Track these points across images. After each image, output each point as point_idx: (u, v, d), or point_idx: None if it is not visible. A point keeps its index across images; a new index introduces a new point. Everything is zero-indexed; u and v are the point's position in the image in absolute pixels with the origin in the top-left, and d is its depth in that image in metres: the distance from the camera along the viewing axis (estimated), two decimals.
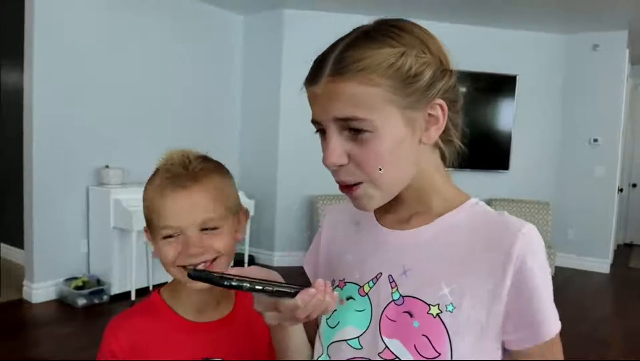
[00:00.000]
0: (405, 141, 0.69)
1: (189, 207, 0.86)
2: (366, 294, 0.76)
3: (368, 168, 0.69)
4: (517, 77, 5.56)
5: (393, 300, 0.73)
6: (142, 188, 0.93)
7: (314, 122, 0.72)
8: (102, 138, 4.29)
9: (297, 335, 0.80)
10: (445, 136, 0.74)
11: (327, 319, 0.79)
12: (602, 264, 5.73)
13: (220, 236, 0.88)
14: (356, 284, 0.78)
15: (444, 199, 0.76)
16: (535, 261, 0.67)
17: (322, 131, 0.72)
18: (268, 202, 5.38)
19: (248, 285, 0.63)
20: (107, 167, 4.22)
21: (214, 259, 0.88)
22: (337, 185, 0.74)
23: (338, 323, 0.77)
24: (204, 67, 5.20)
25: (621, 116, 5.63)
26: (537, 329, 0.68)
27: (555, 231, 5.64)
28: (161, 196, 0.87)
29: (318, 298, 0.66)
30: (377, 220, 0.81)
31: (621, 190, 6.29)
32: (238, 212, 0.95)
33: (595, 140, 5.64)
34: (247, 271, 0.70)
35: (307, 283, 0.69)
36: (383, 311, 0.73)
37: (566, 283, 5.17)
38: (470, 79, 5.23)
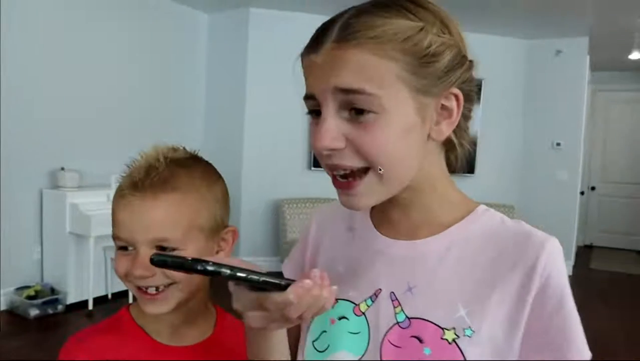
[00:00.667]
0: (414, 131, 0.59)
1: (141, 221, 0.72)
2: (363, 313, 0.66)
3: (371, 154, 0.58)
4: (483, 82, 5.60)
5: (397, 322, 0.63)
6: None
7: (307, 98, 0.60)
8: (57, 138, 4.07)
9: (278, 343, 0.67)
10: (457, 135, 0.65)
11: (314, 341, 0.68)
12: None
13: None
14: (351, 302, 0.67)
15: (451, 206, 0.67)
16: (560, 277, 0.60)
17: (315, 112, 0.60)
18: (232, 206, 5.17)
19: (228, 271, 0.49)
20: (62, 169, 4.01)
21: (168, 285, 0.74)
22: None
23: (328, 346, 0.66)
24: (166, 66, 5.04)
25: (582, 121, 5.75)
26: (564, 352, 0.59)
27: None
28: (117, 202, 0.75)
29: (314, 293, 0.53)
30: (375, 227, 0.71)
31: (582, 193, 6.43)
32: (219, 232, 0.80)
33: (558, 144, 5.75)
34: (229, 261, 0.57)
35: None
36: (385, 334, 0.63)
37: None
38: None
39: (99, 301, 3.96)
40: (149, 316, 0.78)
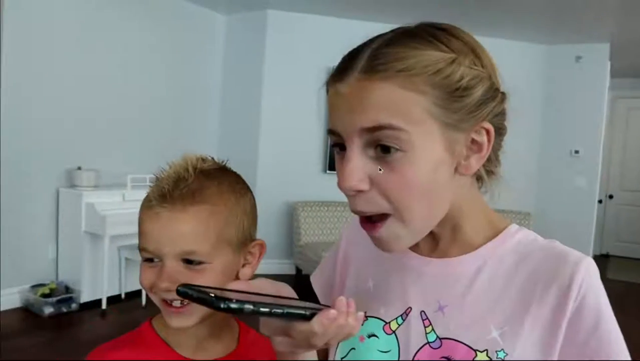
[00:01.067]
0: (442, 167, 0.57)
1: (169, 233, 0.70)
2: (393, 332, 0.64)
3: (396, 198, 0.56)
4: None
5: (428, 342, 0.62)
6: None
7: (332, 132, 0.58)
8: (74, 138, 4.09)
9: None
10: (488, 166, 0.63)
11: (343, 358, 0.67)
12: None
13: (205, 273, 0.71)
14: (381, 319, 0.66)
15: (482, 225, 0.65)
16: (597, 297, 0.58)
17: (340, 145, 0.58)
18: None
19: (251, 307, 0.48)
20: (79, 168, 4.03)
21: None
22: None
23: None
24: (183, 67, 5.05)
25: (602, 128, 5.67)
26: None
27: None
28: (145, 213, 0.73)
29: (339, 322, 0.52)
30: None
31: (600, 202, 6.34)
32: (246, 245, 0.79)
33: (576, 151, 5.67)
34: (253, 284, 0.57)
35: (316, 301, 0.55)
36: (416, 354, 0.62)
37: None
38: None
39: (112, 300, 3.97)
40: (173, 330, 0.76)
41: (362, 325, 0.64)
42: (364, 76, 0.55)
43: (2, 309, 3.74)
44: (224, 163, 0.83)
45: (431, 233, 0.64)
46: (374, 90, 0.54)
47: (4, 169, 3.69)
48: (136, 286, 4.03)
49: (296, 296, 0.61)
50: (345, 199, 0.61)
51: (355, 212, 0.59)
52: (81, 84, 4.12)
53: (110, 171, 4.17)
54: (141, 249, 0.73)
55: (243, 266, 0.79)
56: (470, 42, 0.59)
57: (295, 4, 4.92)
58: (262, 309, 0.49)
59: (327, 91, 0.59)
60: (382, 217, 0.57)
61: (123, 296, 4.11)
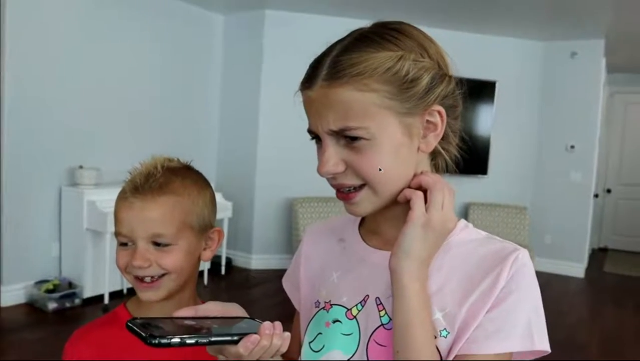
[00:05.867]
0: (403, 148, 0.67)
1: (141, 219, 0.84)
2: (354, 317, 0.73)
3: (367, 174, 0.66)
4: (497, 83, 5.60)
5: (382, 324, 0.70)
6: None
7: (309, 131, 0.70)
8: (76, 137, 4.18)
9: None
10: (443, 143, 0.71)
11: (310, 342, 0.75)
12: (577, 269, 5.80)
13: (170, 253, 0.85)
14: (344, 307, 0.75)
15: None
16: (519, 283, 0.65)
17: (317, 138, 0.69)
18: (246, 204, 5.32)
19: (177, 340, 0.58)
20: (81, 167, 4.12)
21: (162, 275, 0.86)
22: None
23: (323, 346, 0.74)
24: (182, 67, 5.12)
25: (597, 123, 5.71)
26: (489, 336, 0.63)
27: (532, 235, 5.70)
28: (120, 203, 0.87)
29: (262, 344, 0.63)
30: (363, 239, 0.78)
31: (596, 196, 6.39)
32: (206, 231, 0.92)
33: (572, 146, 5.72)
34: (202, 309, 0.68)
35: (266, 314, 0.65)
36: (371, 335, 0.70)
37: (543, 288, 5.14)
38: None
39: (114, 295, 4.06)
40: (144, 310, 0.90)
41: (328, 311, 0.75)
42: (326, 83, 0.64)
43: (7, 304, 3.84)
44: (188, 163, 0.96)
45: (390, 227, 0.73)
46: (336, 95, 0.64)
47: (7, 169, 3.79)
48: None
49: (245, 315, 0.72)
50: None
51: (335, 186, 0.70)
52: (82, 84, 4.20)
53: (111, 170, 4.25)
54: (117, 233, 0.87)
55: (204, 249, 0.92)
56: (417, 37, 0.68)
57: (293, 4, 4.98)
58: (187, 341, 0.59)
59: (302, 95, 0.69)
60: (357, 187, 0.68)
61: (125, 291, 4.20)
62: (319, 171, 0.68)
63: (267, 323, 0.64)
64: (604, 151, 7.17)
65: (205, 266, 4.70)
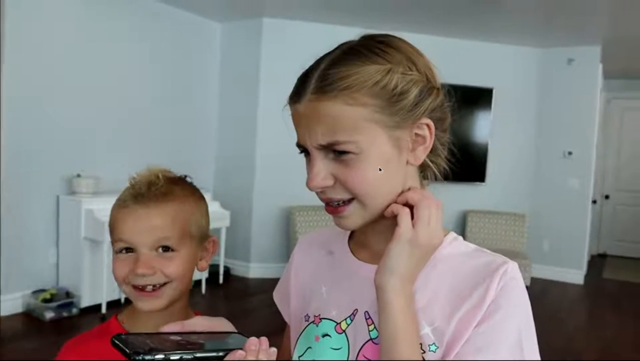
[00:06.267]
0: (391, 162, 0.66)
1: (145, 226, 0.84)
2: (343, 331, 0.73)
3: (355, 188, 0.66)
4: (494, 90, 5.62)
5: (371, 338, 0.69)
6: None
7: (298, 145, 0.69)
8: (74, 146, 4.18)
9: None
10: (432, 156, 0.71)
11: (300, 356, 0.75)
12: (576, 275, 5.80)
13: (173, 260, 0.85)
14: (333, 320, 0.74)
15: None
16: (508, 298, 0.64)
17: (306, 152, 0.68)
18: (244, 213, 5.31)
19: (161, 357, 0.58)
20: (78, 175, 4.11)
21: (163, 284, 0.85)
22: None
23: None
24: (180, 75, 5.13)
25: (594, 129, 5.73)
26: (479, 351, 0.62)
27: (530, 242, 5.69)
28: (120, 209, 0.86)
29: (248, 360, 0.62)
30: (352, 252, 0.78)
31: (594, 202, 6.40)
32: (203, 241, 0.92)
33: (570, 153, 5.73)
34: (189, 324, 0.68)
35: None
36: (360, 350, 0.70)
37: (541, 295, 5.21)
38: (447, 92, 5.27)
39: (112, 305, 4.04)
40: (136, 321, 0.89)
41: (318, 326, 0.75)
42: (315, 97, 0.64)
43: (4, 314, 3.82)
44: (182, 176, 0.96)
45: (379, 241, 0.72)
46: (324, 109, 0.63)
47: (5, 177, 3.78)
48: None
49: (233, 329, 0.71)
50: None
51: (325, 200, 0.69)
52: (80, 92, 4.20)
53: (109, 178, 4.25)
54: (116, 240, 0.85)
55: (200, 259, 0.92)
56: (405, 50, 0.67)
57: (290, 12, 5.01)
58: (172, 357, 0.59)
59: (290, 109, 0.69)
60: (347, 201, 0.67)
61: (122, 300, 4.18)
62: (308, 185, 0.67)
63: (252, 339, 0.64)
64: (602, 157, 7.19)
65: (203, 275, 4.68)
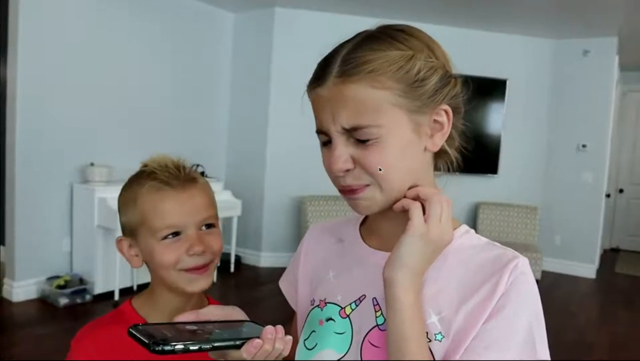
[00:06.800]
0: (411, 147, 0.67)
1: (190, 206, 0.86)
2: (347, 316, 0.73)
3: (374, 171, 0.66)
4: (507, 82, 5.56)
5: (377, 325, 0.70)
6: None
7: (319, 132, 0.69)
8: (87, 135, 4.22)
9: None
10: (447, 144, 0.72)
11: (305, 340, 0.76)
12: (588, 269, 5.75)
13: (216, 235, 0.89)
14: (338, 305, 0.75)
15: None
16: (519, 292, 0.64)
17: (325, 142, 0.69)
18: (255, 202, 5.33)
19: (181, 347, 0.59)
20: (92, 164, 4.15)
21: (212, 260, 0.88)
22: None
23: (316, 344, 0.74)
24: (192, 65, 5.14)
25: (609, 122, 5.66)
26: (488, 347, 0.62)
27: (542, 235, 5.66)
28: (155, 196, 0.86)
29: (265, 348, 0.64)
30: (363, 239, 0.78)
31: (608, 196, 6.33)
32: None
33: (584, 146, 5.66)
34: (204, 313, 0.68)
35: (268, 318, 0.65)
36: (366, 335, 0.70)
37: (552, 288, 5.18)
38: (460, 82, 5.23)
39: (124, 292, 4.09)
40: (150, 307, 0.90)
41: (322, 310, 0.75)
42: (339, 80, 0.64)
43: (20, 300, 3.89)
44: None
45: (390, 228, 0.73)
46: (349, 91, 0.63)
47: (20, 166, 3.82)
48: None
49: (245, 318, 0.72)
50: None
51: (344, 186, 0.68)
52: (94, 82, 4.23)
53: (122, 167, 4.27)
54: (161, 227, 0.85)
55: None
56: (424, 39, 0.69)
57: (303, 1, 4.99)
58: (191, 348, 0.60)
59: (309, 95, 0.69)
60: (364, 186, 0.68)
61: (135, 288, 4.24)
62: (328, 168, 0.68)
63: (269, 328, 0.65)
64: (616, 150, 7.10)
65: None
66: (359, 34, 0.69)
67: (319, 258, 0.83)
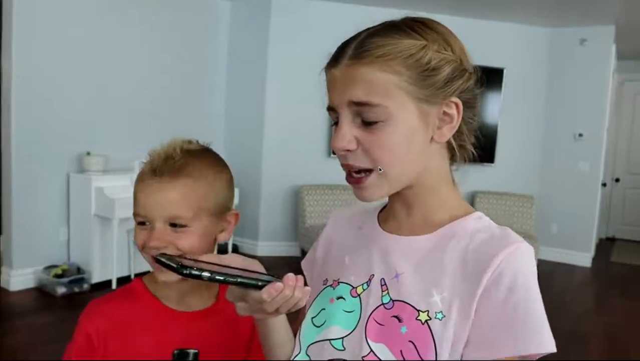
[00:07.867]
0: (417, 134, 0.69)
1: (158, 200, 0.85)
2: (358, 295, 0.75)
3: (377, 156, 0.68)
4: (504, 70, 5.55)
5: (383, 303, 0.72)
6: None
7: (330, 109, 0.72)
8: (84, 124, 4.20)
9: (279, 330, 0.78)
10: (458, 140, 0.73)
11: (313, 317, 0.78)
12: (584, 258, 5.79)
13: (187, 235, 0.86)
14: (350, 285, 0.77)
15: (448, 209, 0.75)
16: (515, 279, 0.65)
17: (336, 123, 0.71)
18: (252, 191, 5.33)
19: (208, 275, 0.60)
20: (88, 153, 4.14)
21: (179, 256, 0.86)
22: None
23: (325, 322, 0.76)
24: (189, 54, 5.12)
25: (606, 111, 5.66)
26: (490, 348, 0.64)
27: (538, 224, 5.68)
28: (139, 183, 0.88)
29: (285, 293, 0.65)
30: (380, 225, 0.80)
31: (604, 185, 6.35)
32: (223, 213, 0.93)
33: (580, 135, 5.67)
34: (226, 258, 0.69)
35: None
36: (371, 313, 0.72)
37: (548, 277, 5.21)
38: None
39: (122, 281, 4.09)
40: (160, 285, 0.91)
41: (334, 289, 0.78)
42: (352, 62, 0.68)
43: (17, 289, 3.90)
44: (207, 145, 0.97)
45: (406, 212, 0.76)
46: (360, 73, 0.67)
47: (16, 155, 3.82)
48: (145, 268, 4.14)
49: (264, 271, 0.72)
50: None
51: (345, 165, 0.71)
52: (90, 71, 4.21)
53: (118, 156, 4.28)
54: (135, 214, 0.88)
55: (221, 232, 0.93)
56: (442, 32, 0.71)
57: None
58: (217, 277, 0.61)
59: (326, 75, 0.72)
60: (367, 172, 0.70)
61: (132, 276, 4.24)
62: (333, 145, 0.70)
63: (291, 275, 0.66)
64: (613, 140, 7.11)
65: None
66: (382, 23, 0.71)
67: (338, 243, 0.86)
